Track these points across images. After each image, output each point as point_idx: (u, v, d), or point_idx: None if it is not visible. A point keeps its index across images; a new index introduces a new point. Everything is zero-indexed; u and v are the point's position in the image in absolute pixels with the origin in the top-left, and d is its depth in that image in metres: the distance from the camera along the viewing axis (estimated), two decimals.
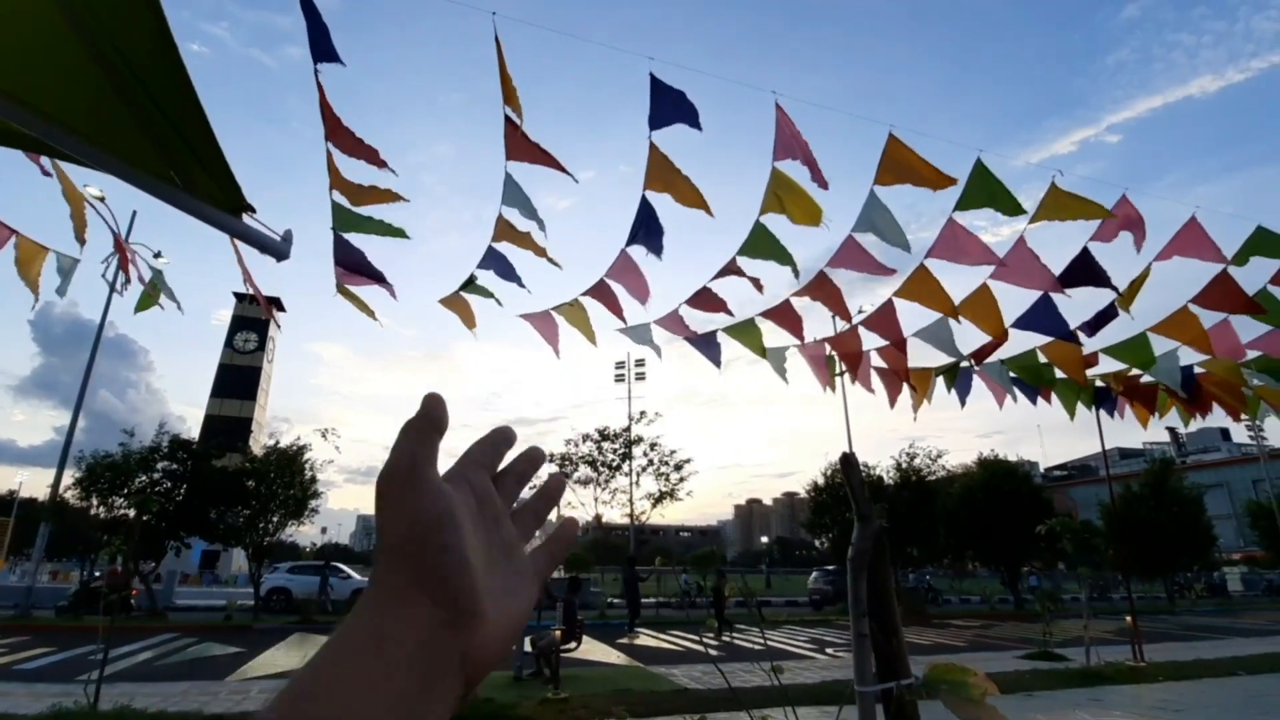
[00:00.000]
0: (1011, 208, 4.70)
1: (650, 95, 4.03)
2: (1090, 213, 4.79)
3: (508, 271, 5.07)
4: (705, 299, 5.75)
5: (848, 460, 1.31)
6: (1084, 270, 5.78)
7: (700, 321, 6.09)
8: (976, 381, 7.93)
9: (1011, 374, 7.87)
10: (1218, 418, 9.39)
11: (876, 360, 7.49)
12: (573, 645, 8.44)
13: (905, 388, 8.02)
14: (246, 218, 1.44)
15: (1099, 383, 8.67)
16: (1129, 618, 11.07)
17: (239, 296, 60.97)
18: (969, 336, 7.25)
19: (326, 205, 3.98)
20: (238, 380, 62.16)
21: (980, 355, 7.16)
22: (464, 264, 4.93)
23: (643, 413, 25.15)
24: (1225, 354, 7.02)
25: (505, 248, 4.99)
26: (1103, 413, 9.72)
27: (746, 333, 6.46)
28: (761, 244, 4.92)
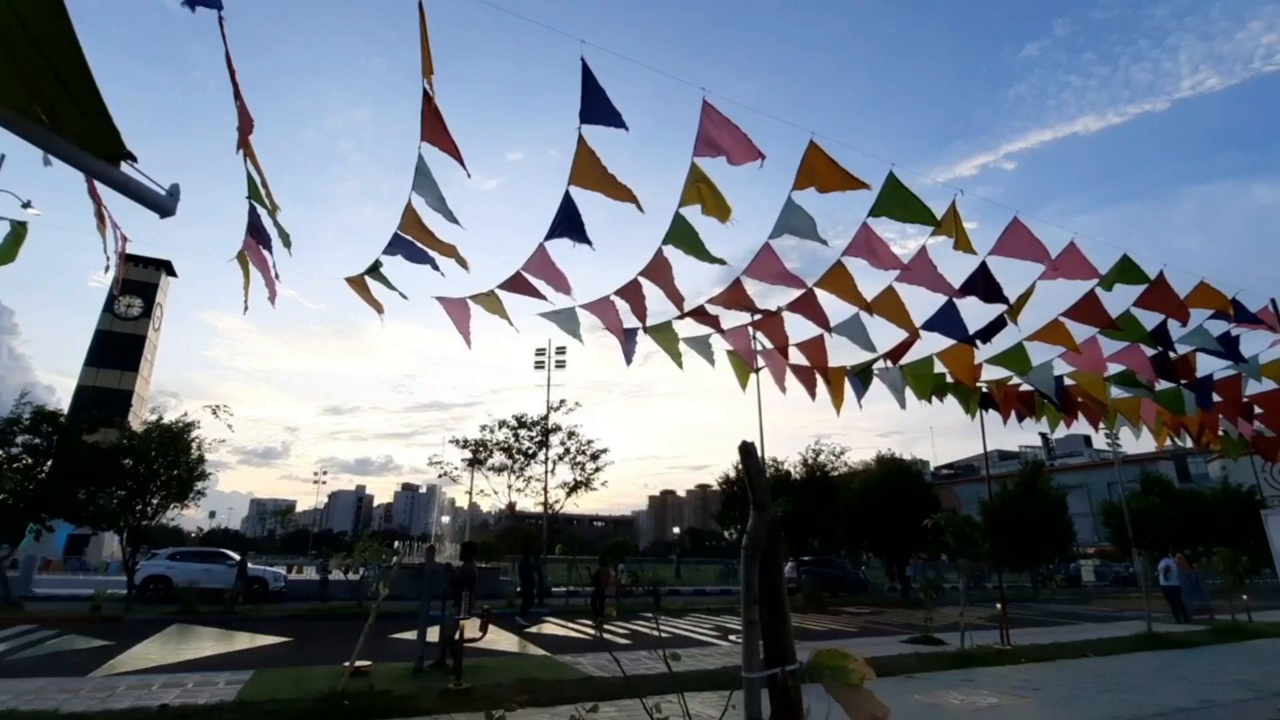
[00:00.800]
0: (924, 217, 5.01)
1: (582, 85, 3.96)
2: (963, 241, 5.21)
3: (418, 256, 4.88)
4: (634, 292, 5.77)
5: (746, 450, 1.35)
6: (982, 282, 6.27)
7: (628, 312, 6.10)
8: (878, 383, 8.40)
9: (906, 382, 8.40)
10: (1081, 426, 10.39)
11: (796, 357, 7.79)
12: (478, 635, 8.30)
13: (822, 384, 8.40)
14: (126, 166, 1.30)
15: (984, 389, 9.41)
16: (1000, 605, 12.13)
17: (127, 259, 55.48)
18: (883, 339, 7.63)
19: (231, 165, 3.68)
20: (118, 349, 56.65)
21: (895, 355, 7.62)
22: (379, 239, 4.70)
23: (561, 401, 24.99)
24: (1090, 367, 7.80)
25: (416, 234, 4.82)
26: (988, 417, 10.52)
27: (665, 334, 6.57)
28: (683, 236, 5.00)
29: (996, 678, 8.71)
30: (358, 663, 7.61)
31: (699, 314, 6.66)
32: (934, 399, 8.95)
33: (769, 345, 7.60)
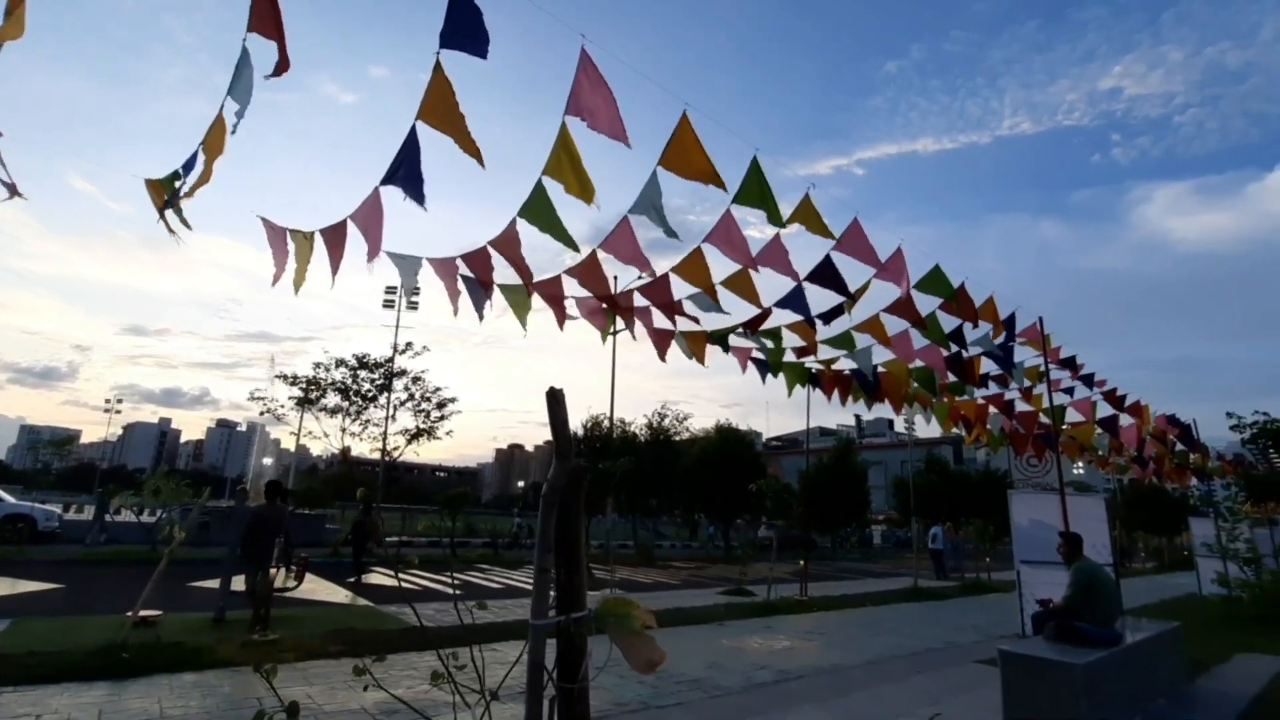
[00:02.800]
0: (773, 215, 5.33)
1: (448, 4, 3.53)
2: (820, 228, 5.67)
3: (189, 167, 4.18)
4: (482, 260, 5.54)
5: (553, 396, 1.35)
6: (827, 273, 6.85)
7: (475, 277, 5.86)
8: (730, 358, 8.89)
9: (755, 354, 9.03)
10: (886, 410, 11.81)
11: (658, 319, 7.99)
12: (291, 584, 7.75)
13: (676, 348, 8.72)
14: None
15: (814, 369, 10.36)
16: (802, 562, 13.65)
17: None
18: (739, 313, 8.02)
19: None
20: None
21: (753, 325, 8.10)
22: (198, 137, 4.01)
23: (409, 344, 23.58)
24: (903, 357, 8.86)
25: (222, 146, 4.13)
26: (814, 398, 11.56)
27: (516, 294, 6.42)
28: (540, 210, 4.81)
29: (793, 624, 9.85)
30: (143, 612, 6.80)
31: (550, 287, 6.59)
32: (770, 376, 9.68)
33: (622, 314, 7.73)
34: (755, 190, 5.23)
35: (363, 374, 22.34)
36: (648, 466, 28.90)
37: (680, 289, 6.94)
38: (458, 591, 13.08)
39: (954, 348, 8.81)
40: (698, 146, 4.75)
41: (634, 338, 8.11)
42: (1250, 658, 8.40)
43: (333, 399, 22.11)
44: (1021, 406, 11.98)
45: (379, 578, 14.90)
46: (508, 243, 5.21)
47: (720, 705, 5.29)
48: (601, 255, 6.18)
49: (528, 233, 5.17)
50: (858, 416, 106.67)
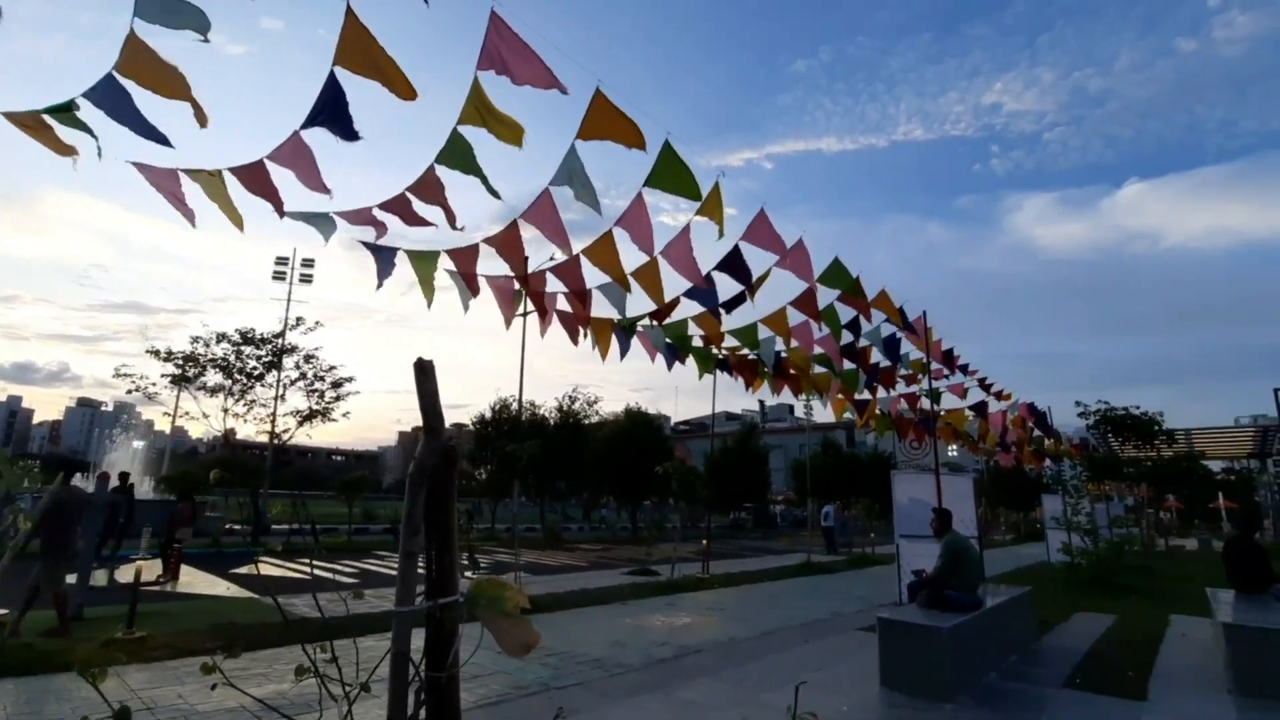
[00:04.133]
0: (691, 191, 5.42)
1: None
2: (719, 221, 5.84)
3: (127, 114, 3.82)
4: (402, 207, 5.28)
5: (420, 367, 1.29)
6: (733, 262, 7.06)
7: (393, 235, 5.57)
8: (635, 341, 9.00)
9: (667, 339, 9.18)
10: (787, 395, 12.35)
11: (562, 304, 7.92)
12: (161, 578, 7.11)
13: (586, 334, 8.71)
14: None
15: (722, 355, 10.67)
16: (705, 541, 14.13)
17: None
18: (644, 303, 8.10)
19: None
20: None
21: (658, 316, 8.21)
22: (62, 84, 3.55)
23: (299, 319, 22.02)
24: (804, 345, 9.30)
25: (135, 84, 3.76)
26: (720, 383, 11.89)
27: (424, 263, 6.18)
28: (459, 155, 4.70)
29: (694, 601, 10.19)
30: None
31: (467, 255, 6.40)
32: (678, 363, 9.88)
33: (532, 298, 7.63)
34: (669, 172, 5.29)
35: (248, 350, 20.69)
36: (557, 449, 28.79)
37: (591, 277, 6.93)
38: (350, 580, 12.55)
39: (849, 337, 9.36)
40: (617, 113, 4.75)
41: (542, 322, 8.03)
42: (1087, 616, 9.57)
43: (214, 377, 20.36)
44: (906, 392, 12.92)
45: (267, 568, 14.00)
46: (428, 187, 4.99)
47: (620, 683, 5.41)
48: (522, 228, 6.05)
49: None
50: (761, 402, 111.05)
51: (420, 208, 5.22)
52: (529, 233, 6.16)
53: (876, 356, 10.92)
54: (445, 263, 6.23)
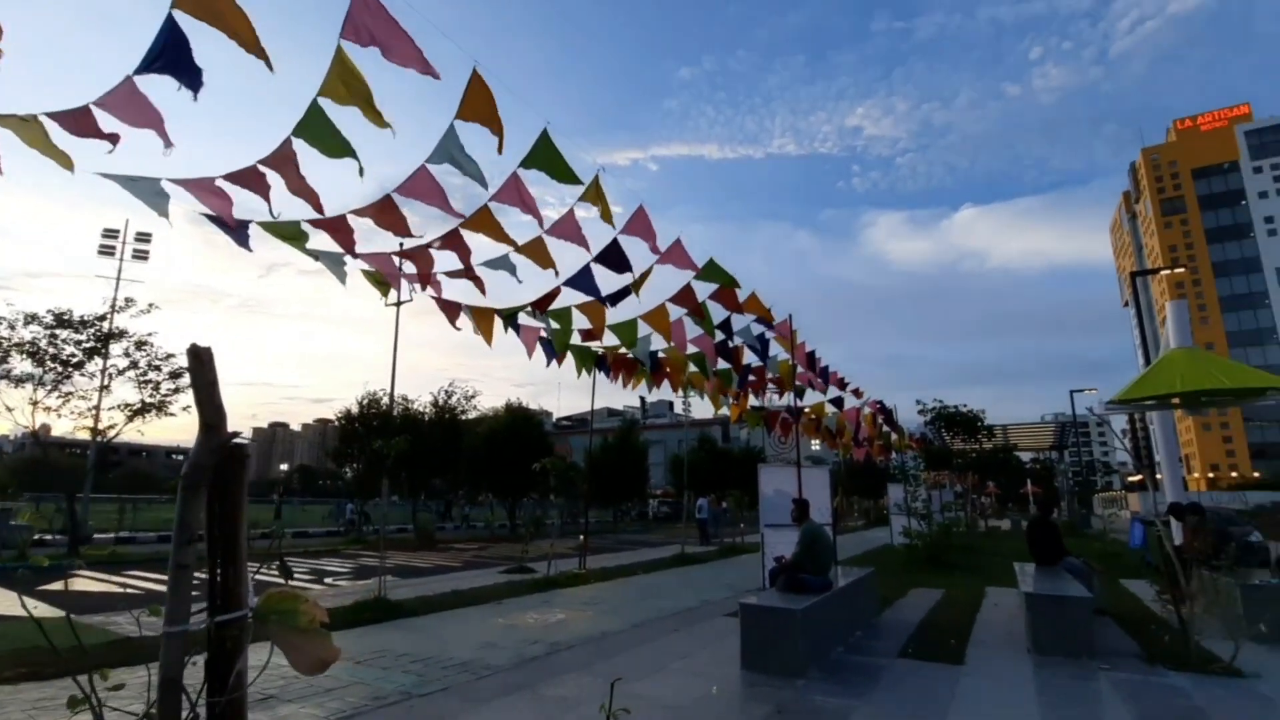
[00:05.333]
0: (568, 178, 5.41)
1: None
2: (605, 213, 5.91)
3: None
4: (252, 179, 4.80)
5: (195, 354, 1.17)
6: (614, 255, 7.12)
7: (244, 208, 5.03)
8: (513, 337, 8.83)
9: (542, 333, 9.08)
10: (668, 392, 12.66)
11: (448, 287, 7.58)
12: None
13: (469, 322, 8.41)
14: None
15: (599, 351, 10.75)
16: (582, 537, 14.19)
17: None
18: (528, 291, 7.94)
19: None
20: None
21: (541, 304, 8.08)
22: None
23: (129, 300, 19.34)
24: (678, 344, 9.58)
25: None
26: (598, 378, 11.99)
27: (289, 234, 5.71)
28: (318, 129, 4.37)
29: (570, 597, 10.20)
30: None
31: (336, 225, 5.97)
32: (556, 362, 9.82)
33: (414, 270, 7.29)
34: (545, 157, 5.25)
35: (65, 334, 17.90)
36: (432, 446, 27.61)
37: (475, 255, 6.71)
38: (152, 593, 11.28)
39: (721, 336, 9.77)
40: (490, 98, 4.64)
41: (414, 293, 7.67)
42: (921, 591, 10.69)
43: (20, 364, 17.42)
44: (773, 388, 13.71)
45: (84, 583, 12.23)
46: (283, 161, 4.57)
47: (487, 685, 5.30)
48: (399, 200, 5.73)
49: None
50: (642, 399, 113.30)
51: (277, 184, 4.79)
52: (410, 213, 5.86)
53: (749, 357, 11.51)
54: (316, 243, 5.76)
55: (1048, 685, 5.37)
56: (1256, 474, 74.09)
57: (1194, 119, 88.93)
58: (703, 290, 8.33)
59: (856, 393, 15.62)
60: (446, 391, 29.85)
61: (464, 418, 30.47)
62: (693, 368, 11.49)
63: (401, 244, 7.02)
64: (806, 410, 14.59)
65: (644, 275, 7.50)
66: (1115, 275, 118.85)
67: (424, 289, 7.55)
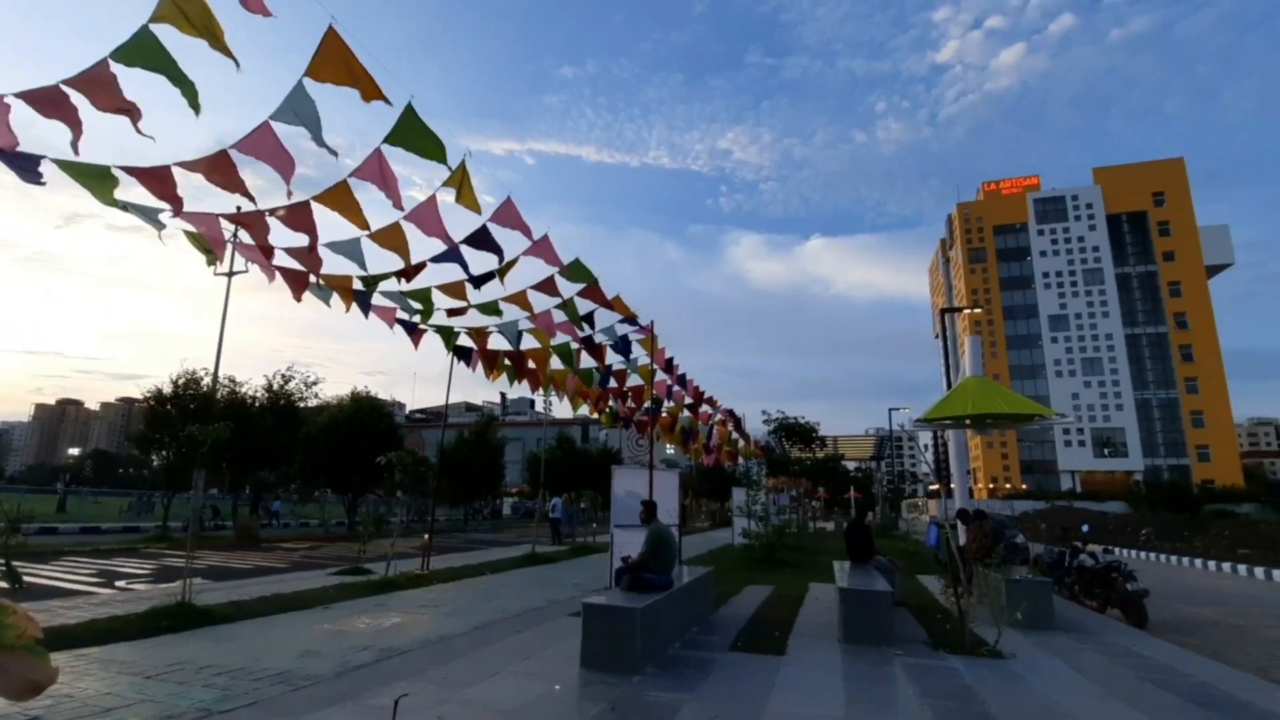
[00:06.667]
0: (436, 154, 5.16)
1: None
2: (471, 201, 5.74)
3: None
4: (53, 102, 4.05)
5: None
6: (482, 239, 6.92)
7: (35, 141, 4.21)
8: (371, 320, 8.28)
9: (400, 314, 8.60)
10: (529, 389, 12.51)
11: (285, 259, 6.90)
12: None
13: (311, 295, 7.70)
14: None
15: (465, 337, 10.39)
16: (426, 535, 13.57)
17: None
18: (385, 263, 7.46)
19: None
20: None
21: (408, 274, 7.58)
22: None
23: None
24: (545, 328, 9.51)
25: None
26: (459, 372, 11.53)
27: (93, 177, 4.92)
28: (149, 54, 3.83)
29: (408, 599, 9.70)
30: None
31: (157, 176, 5.23)
32: (414, 342, 9.35)
33: (251, 242, 6.58)
34: (413, 134, 4.98)
35: None
36: (264, 434, 25.02)
37: (323, 234, 6.20)
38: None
39: (587, 329, 9.85)
40: (352, 59, 4.32)
41: (248, 265, 6.93)
42: (755, 588, 11.47)
43: None
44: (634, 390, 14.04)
45: None
46: (95, 84, 3.90)
47: (305, 696, 4.89)
48: (237, 158, 5.13)
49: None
50: (503, 394, 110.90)
51: (88, 115, 4.11)
52: (251, 177, 5.27)
53: (612, 357, 11.69)
54: (130, 195, 4.98)
55: (852, 670, 6.00)
56: (1025, 486, 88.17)
57: (998, 183, 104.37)
58: (568, 289, 8.35)
59: (711, 401, 16.43)
60: (284, 375, 27.22)
61: (303, 405, 27.95)
62: (556, 363, 11.47)
63: (239, 208, 6.32)
64: (663, 414, 15.10)
65: (510, 263, 7.37)
66: (930, 310, 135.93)
67: (260, 265, 6.85)
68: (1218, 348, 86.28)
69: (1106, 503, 59.34)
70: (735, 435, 21.04)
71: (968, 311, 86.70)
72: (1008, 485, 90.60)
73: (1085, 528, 12.57)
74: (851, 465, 58.88)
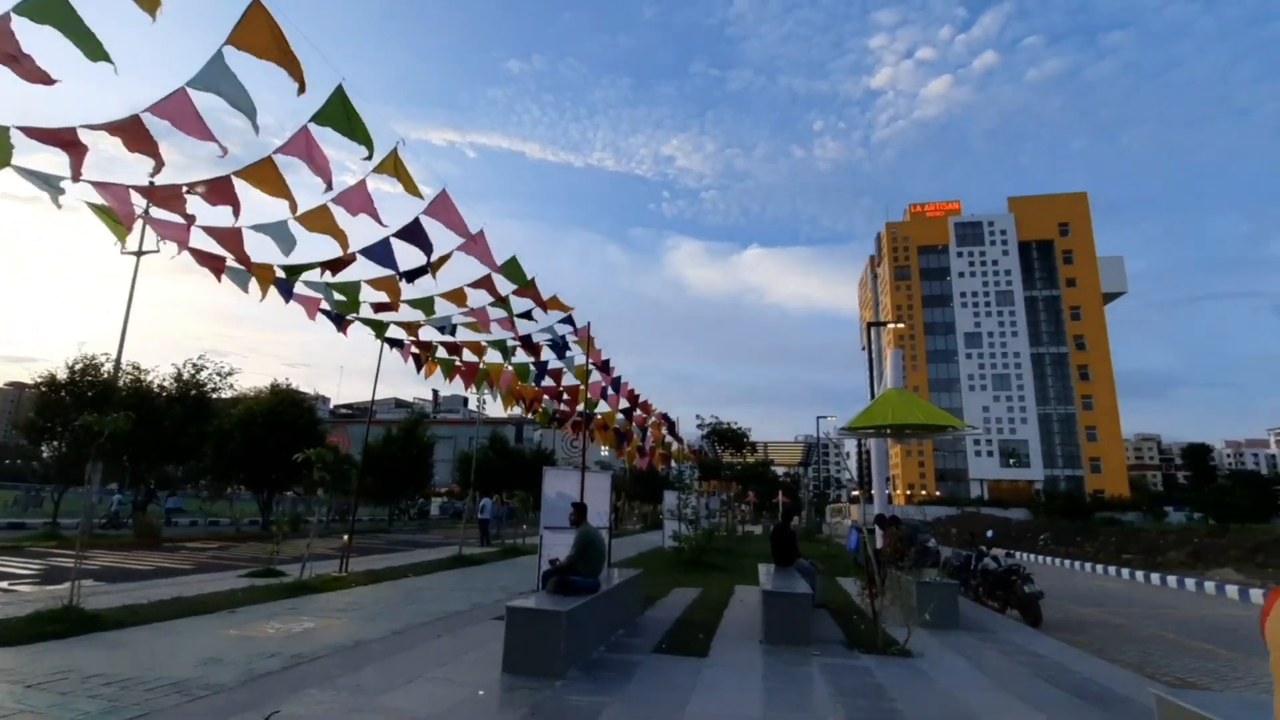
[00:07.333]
0: (364, 139, 4.98)
1: None
2: (409, 186, 5.59)
3: None
4: None
5: None
6: (415, 233, 6.71)
7: None
8: (293, 308, 7.89)
9: (324, 305, 8.23)
10: (460, 386, 12.23)
11: (205, 241, 6.49)
12: None
13: (229, 279, 7.27)
14: None
15: (397, 327, 10.07)
16: (346, 536, 13.03)
17: None
18: (314, 250, 7.12)
19: None
20: None
21: (333, 267, 7.24)
22: None
23: None
24: (481, 323, 9.34)
25: None
26: (391, 365, 11.16)
27: None
28: (50, 8, 3.55)
29: (323, 603, 9.28)
30: None
31: (61, 135, 4.83)
32: (341, 331, 8.99)
33: (167, 218, 6.16)
34: (339, 115, 4.79)
35: None
36: (171, 426, 23.37)
37: (248, 215, 5.87)
38: None
39: (524, 325, 9.73)
40: (279, 34, 4.12)
41: (160, 244, 6.50)
42: (682, 590, 11.61)
43: None
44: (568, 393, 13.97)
45: None
46: None
47: (202, 707, 4.59)
48: (152, 122, 4.78)
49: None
50: (435, 391, 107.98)
51: None
52: (170, 152, 4.92)
53: (548, 355, 11.57)
54: (30, 161, 4.55)
55: (771, 671, 6.17)
56: (939, 493, 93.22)
57: (924, 205, 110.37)
58: (505, 287, 8.22)
59: (645, 406, 16.53)
60: (195, 364, 25.54)
61: (216, 397, 26.29)
62: (492, 357, 11.26)
63: (152, 181, 5.90)
64: (599, 416, 15.08)
65: (443, 258, 7.19)
66: (858, 323, 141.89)
67: (177, 243, 6.43)
68: (1111, 369, 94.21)
69: (1011, 509, 63.60)
70: (669, 439, 21.25)
71: (892, 326, 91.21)
72: (923, 492, 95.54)
73: (990, 533, 13.39)
74: (781, 471, 60.56)
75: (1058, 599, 12.57)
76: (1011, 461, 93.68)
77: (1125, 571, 19.18)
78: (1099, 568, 20.71)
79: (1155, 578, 17.51)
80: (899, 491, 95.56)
